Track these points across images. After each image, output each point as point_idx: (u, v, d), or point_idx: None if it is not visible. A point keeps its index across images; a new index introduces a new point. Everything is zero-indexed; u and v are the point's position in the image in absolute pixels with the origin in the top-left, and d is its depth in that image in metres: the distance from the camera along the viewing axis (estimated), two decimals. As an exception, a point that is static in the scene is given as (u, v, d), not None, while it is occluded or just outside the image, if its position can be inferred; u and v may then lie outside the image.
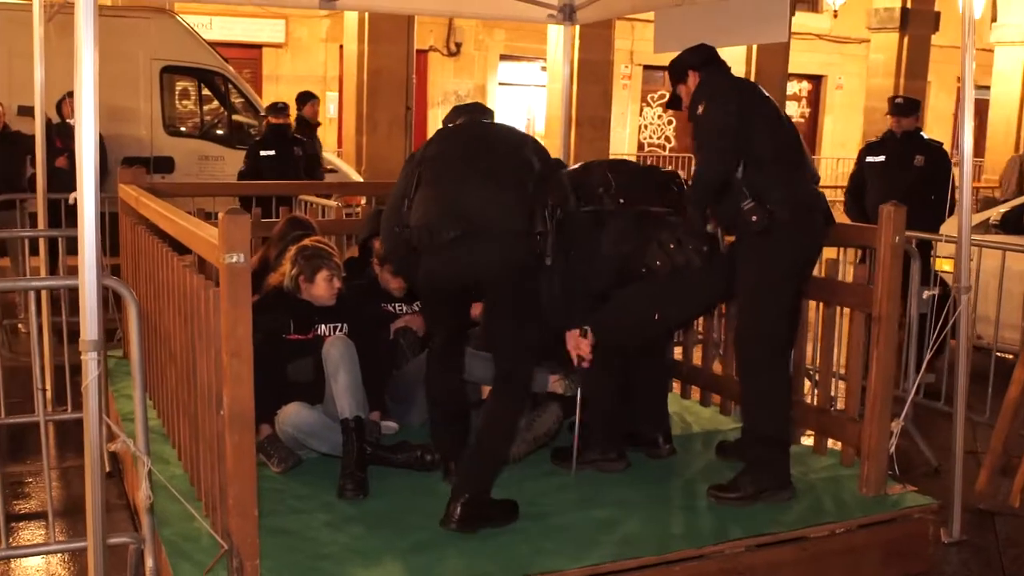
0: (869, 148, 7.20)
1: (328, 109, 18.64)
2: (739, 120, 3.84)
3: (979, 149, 21.83)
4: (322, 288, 4.44)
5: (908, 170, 6.70)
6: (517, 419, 3.90)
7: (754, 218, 3.80)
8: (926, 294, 4.96)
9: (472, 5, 6.68)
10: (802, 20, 21.18)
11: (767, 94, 4.05)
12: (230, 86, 10.63)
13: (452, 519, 3.60)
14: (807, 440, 4.63)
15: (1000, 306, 6.09)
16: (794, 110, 24.18)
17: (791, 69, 18.29)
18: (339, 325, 4.47)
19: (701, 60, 4.10)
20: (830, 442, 4.50)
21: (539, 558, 3.41)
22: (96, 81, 2.87)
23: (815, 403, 4.53)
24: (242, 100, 10.76)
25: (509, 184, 3.72)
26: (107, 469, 4.66)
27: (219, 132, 10.76)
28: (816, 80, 24.57)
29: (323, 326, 4.46)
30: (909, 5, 17.06)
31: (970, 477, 4.66)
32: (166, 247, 4.10)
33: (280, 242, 5.03)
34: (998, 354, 6.29)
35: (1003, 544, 4.35)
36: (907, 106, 6.91)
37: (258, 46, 18.32)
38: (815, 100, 24.76)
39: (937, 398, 5.97)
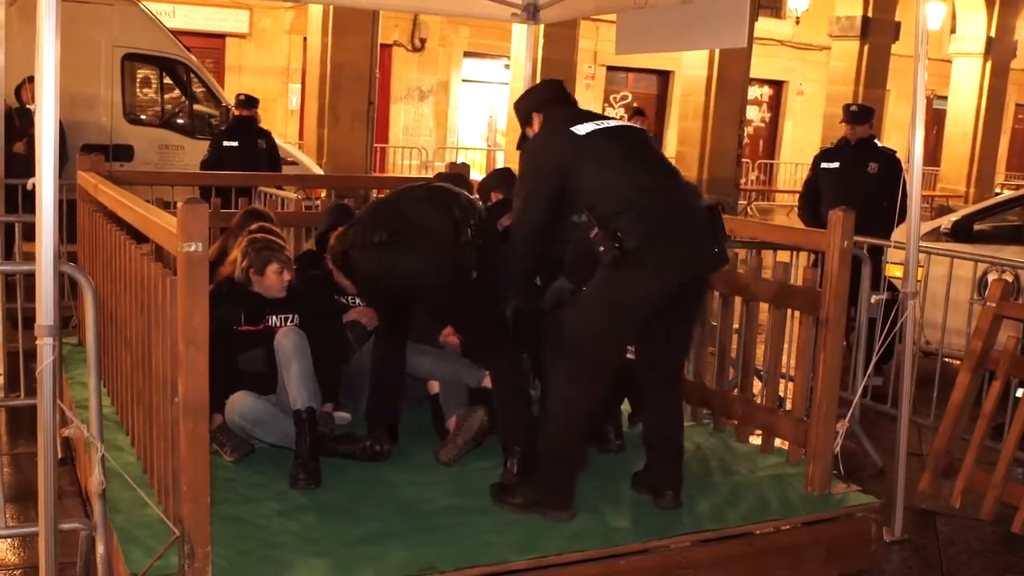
0: (824, 155, 7.33)
1: (290, 101, 18.60)
2: (562, 175, 3.69)
3: (936, 158, 22.23)
4: (272, 280, 4.46)
5: (862, 177, 6.83)
6: (514, 376, 4.14)
7: (601, 248, 3.56)
8: (874, 299, 5.07)
9: (437, 2, 6.71)
10: (765, 26, 21.39)
11: (620, 127, 3.84)
12: (192, 75, 10.56)
13: (511, 473, 4.02)
14: (755, 439, 4.72)
15: (947, 312, 6.22)
16: (755, 114, 24.43)
17: (753, 74, 18.51)
18: (290, 316, 4.49)
19: (538, 102, 3.99)
20: (777, 442, 4.59)
21: (488, 550, 3.46)
22: (57, 67, 2.89)
23: (763, 403, 4.62)
24: (204, 90, 10.69)
25: (438, 201, 4.10)
26: (59, 455, 4.70)
27: (180, 121, 10.69)
28: (777, 85, 24.84)
29: (274, 317, 4.47)
30: (870, 14, 17.31)
31: (914, 478, 4.79)
32: (124, 235, 4.10)
33: (239, 233, 5.03)
34: (945, 359, 6.44)
35: (943, 543, 4.46)
36: (861, 114, 7.05)
37: (221, 36, 18.20)
38: (776, 105, 25.03)
39: (885, 401, 6.10)
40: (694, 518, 3.84)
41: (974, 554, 4.40)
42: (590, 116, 3.87)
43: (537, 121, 3.96)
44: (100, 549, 3.36)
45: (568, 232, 4.04)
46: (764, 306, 4.63)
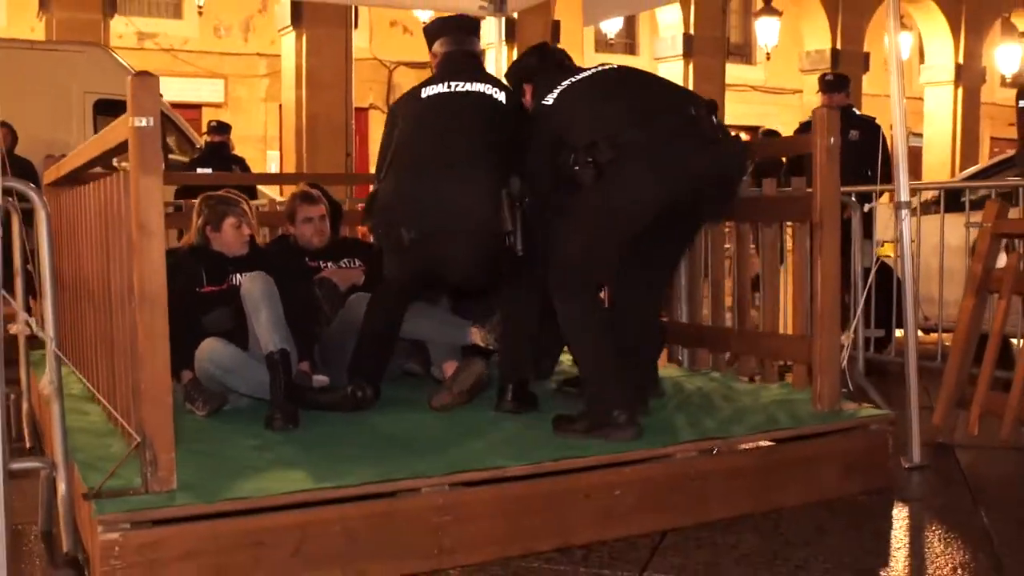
0: (803, 127, 7.19)
1: (269, 167, 18.54)
2: (552, 137, 3.70)
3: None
4: (230, 235, 4.27)
5: (844, 145, 6.67)
6: (519, 308, 4.00)
7: (576, 168, 3.51)
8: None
9: (404, -4, 6.65)
10: (736, 72, 21.57)
11: (593, 75, 3.77)
12: (165, 121, 10.47)
13: (507, 401, 3.92)
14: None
15: (942, 282, 6.03)
16: (733, 161, 24.48)
17: (727, 120, 18.55)
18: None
19: (523, 73, 3.99)
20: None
21: (482, 458, 3.23)
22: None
23: (762, 328, 4.41)
24: (176, 136, 10.60)
25: (474, 169, 3.75)
26: (28, 444, 4.47)
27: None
28: (753, 130, 24.96)
29: (238, 275, 4.22)
30: (839, 46, 17.50)
31: (927, 419, 4.54)
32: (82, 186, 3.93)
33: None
34: (946, 334, 6.21)
35: (966, 470, 4.21)
36: (837, 82, 6.97)
37: (197, 106, 18.19)
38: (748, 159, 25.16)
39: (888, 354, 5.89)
40: (701, 430, 3.61)
41: (998, 475, 4.17)
42: (568, 74, 3.80)
43: (528, 92, 3.94)
44: (61, 488, 3.09)
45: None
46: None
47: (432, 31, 4.12)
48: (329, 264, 4.76)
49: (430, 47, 4.10)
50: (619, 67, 3.96)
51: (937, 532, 3.43)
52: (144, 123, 2.75)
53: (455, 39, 4.04)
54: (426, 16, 15.40)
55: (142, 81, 2.76)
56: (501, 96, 3.94)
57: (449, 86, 3.91)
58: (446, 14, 4.32)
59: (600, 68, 3.87)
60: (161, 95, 9.48)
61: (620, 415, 3.48)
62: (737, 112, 21.71)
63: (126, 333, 3.03)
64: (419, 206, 3.73)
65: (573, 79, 3.76)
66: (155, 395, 2.80)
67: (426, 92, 3.93)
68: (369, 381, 4.05)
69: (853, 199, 5.54)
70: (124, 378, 3.14)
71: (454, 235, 3.73)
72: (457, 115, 3.85)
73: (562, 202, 3.69)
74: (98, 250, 3.52)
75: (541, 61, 4.00)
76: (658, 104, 3.70)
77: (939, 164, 20.53)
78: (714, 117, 3.69)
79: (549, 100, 3.71)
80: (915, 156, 23.15)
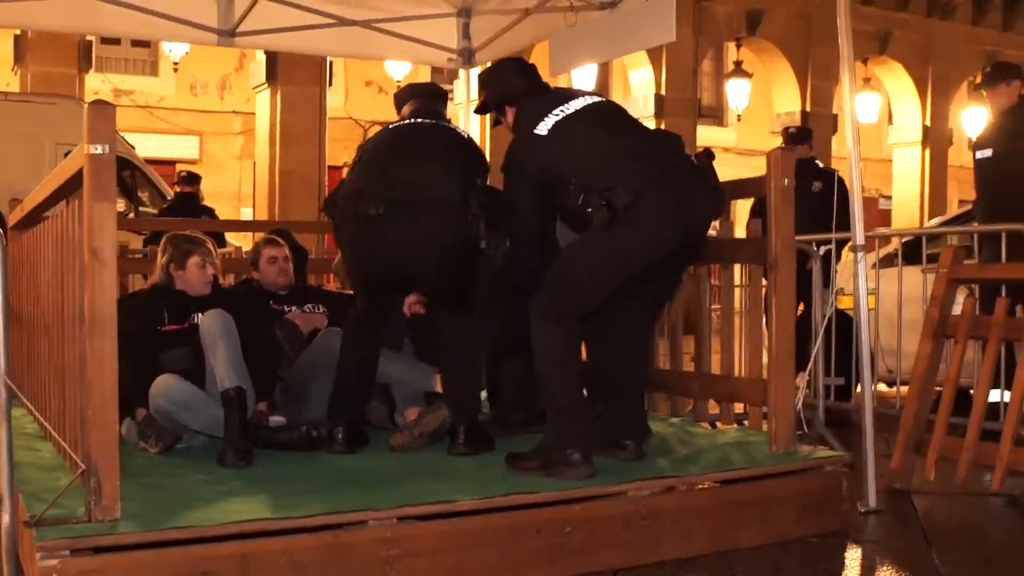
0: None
1: (243, 226, 18.60)
2: (543, 174, 3.64)
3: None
4: (193, 274, 4.29)
5: (807, 196, 6.77)
6: (476, 357, 4.06)
7: (589, 210, 3.48)
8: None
9: (373, 47, 6.75)
10: (708, 134, 21.87)
11: (584, 108, 3.70)
12: (137, 173, 10.51)
13: (459, 444, 3.90)
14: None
15: (901, 334, 6.07)
16: (707, 222, 24.68)
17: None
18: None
19: (506, 96, 3.89)
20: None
21: (432, 493, 3.21)
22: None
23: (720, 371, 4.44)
24: (148, 188, 10.62)
25: (441, 160, 3.81)
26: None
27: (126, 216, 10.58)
28: (725, 193, 25.23)
29: (199, 315, 4.21)
30: (808, 108, 17.78)
31: (885, 467, 4.55)
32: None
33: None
34: (904, 387, 6.23)
35: (921, 514, 4.21)
36: (799, 135, 7.12)
37: (172, 162, 18.28)
38: (727, 208, 25.39)
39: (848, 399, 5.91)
40: (654, 469, 3.61)
41: (954, 519, 4.18)
42: (557, 101, 3.75)
43: (510, 115, 3.89)
44: (4, 520, 3.05)
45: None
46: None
47: (402, 95, 4.21)
48: (293, 308, 4.77)
49: (399, 110, 4.17)
50: (606, 101, 3.92)
51: (888, 571, 3.43)
52: (99, 150, 2.77)
53: (423, 101, 4.12)
54: (399, 75, 15.61)
55: (98, 110, 2.79)
56: (464, 136, 4.06)
57: (415, 121, 4.01)
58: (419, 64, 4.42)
59: (590, 101, 3.76)
60: (133, 146, 9.60)
61: (574, 453, 3.46)
62: (710, 173, 21.94)
63: (76, 360, 3.02)
64: (386, 181, 3.76)
65: (566, 109, 3.69)
66: (102, 421, 2.78)
67: (393, 125, 4.06)
68: (348, 417, 4.02)
69: (814, 247, 5.59)
70: (73, 407, 3.12)
71: (420, 209, 3.70)
72: (424, 136, 3.95)
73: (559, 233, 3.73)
74: (53, 280, 3.53)
75: (527, 83, 3.89)
76: (662, 148, 3.70)
77: (908, 224, 20.74)
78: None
79: (542, 130, 3.65)
80: (884, 216, 23.43)
